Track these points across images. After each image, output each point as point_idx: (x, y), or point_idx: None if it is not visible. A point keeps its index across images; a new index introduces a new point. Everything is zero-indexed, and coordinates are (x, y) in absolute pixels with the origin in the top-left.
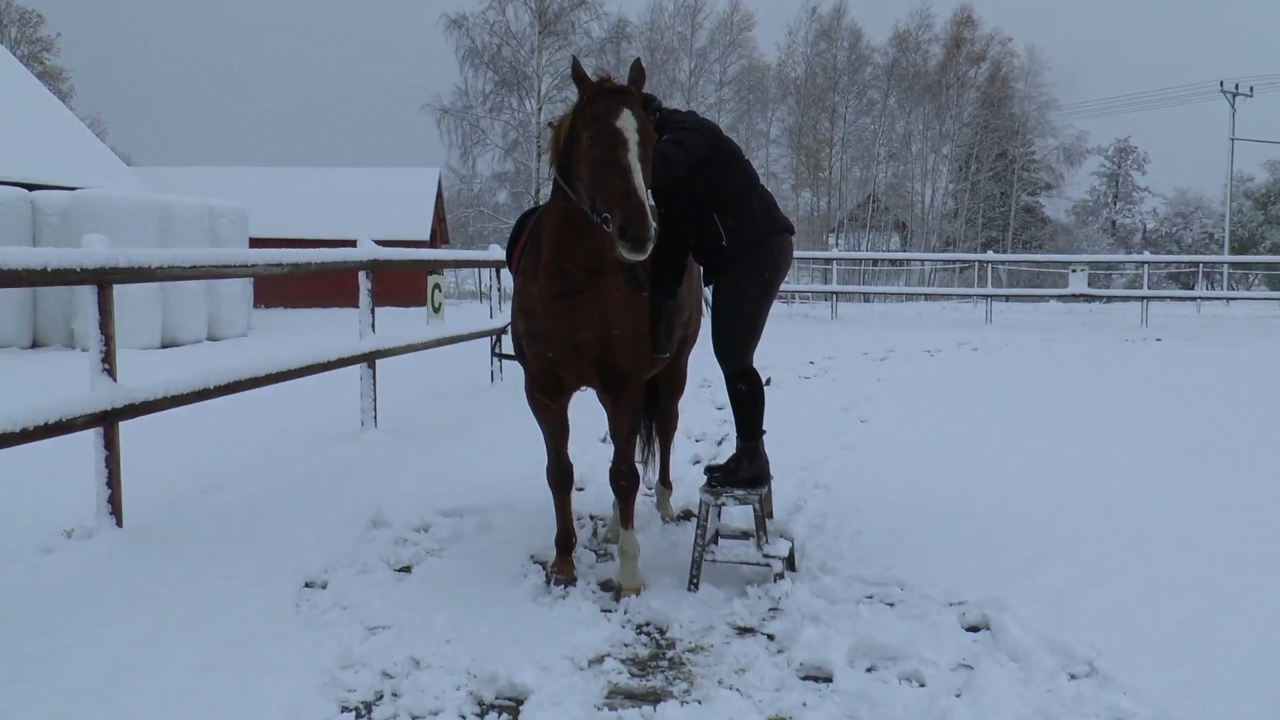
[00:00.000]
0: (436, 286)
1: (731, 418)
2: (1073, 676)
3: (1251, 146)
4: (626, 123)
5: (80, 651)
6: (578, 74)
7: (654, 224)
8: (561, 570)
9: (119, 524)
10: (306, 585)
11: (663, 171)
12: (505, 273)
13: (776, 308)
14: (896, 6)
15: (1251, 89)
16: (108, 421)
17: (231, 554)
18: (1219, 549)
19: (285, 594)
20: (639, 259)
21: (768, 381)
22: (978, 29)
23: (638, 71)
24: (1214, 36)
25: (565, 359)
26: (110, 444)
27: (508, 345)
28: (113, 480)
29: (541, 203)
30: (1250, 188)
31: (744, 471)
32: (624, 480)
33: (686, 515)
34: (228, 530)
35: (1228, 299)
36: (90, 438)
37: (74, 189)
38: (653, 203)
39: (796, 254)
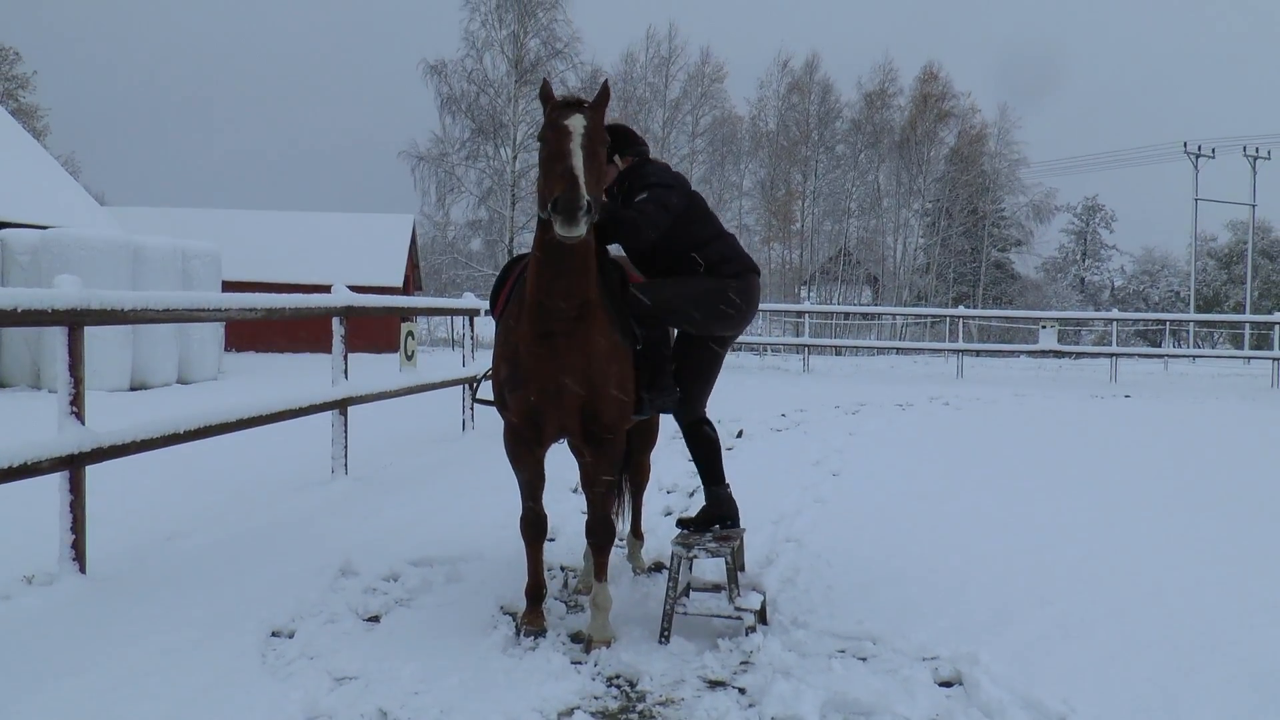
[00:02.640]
0: (410, 334)
1: None
2: None
3: (1214, 207)
4: (574, 122)
5: (40, 702)
6: (544, 93)
7: (588, 198)
8: (532, 621)
9: (82, 570)
10: (273, 634)
11: (644, 230)
12: (479, 321)
13: (749, 360)
14: (866, 61)
15: (1214, 151)
16: (74, 466)
17: (197, 602)
18: (1189, 603)
19: (251, 643)
20: (573, 234)
21: (739, 434)
22: (942, 85)
23: (604, 90)
24: (1176, 100)
25: (547, 404)
26: (76, 489)
27: (485, 390)
28: (77, 526)
29: (524, 250)
30: (1214, 247)
31: (717, 516)
32: (600, 533)
33: (658, 567)
34: (193, 578)
35: (1194, 357)
36: (55, 482)
37: (45, 228)
38: (593, 196)
39: (769, 306)
